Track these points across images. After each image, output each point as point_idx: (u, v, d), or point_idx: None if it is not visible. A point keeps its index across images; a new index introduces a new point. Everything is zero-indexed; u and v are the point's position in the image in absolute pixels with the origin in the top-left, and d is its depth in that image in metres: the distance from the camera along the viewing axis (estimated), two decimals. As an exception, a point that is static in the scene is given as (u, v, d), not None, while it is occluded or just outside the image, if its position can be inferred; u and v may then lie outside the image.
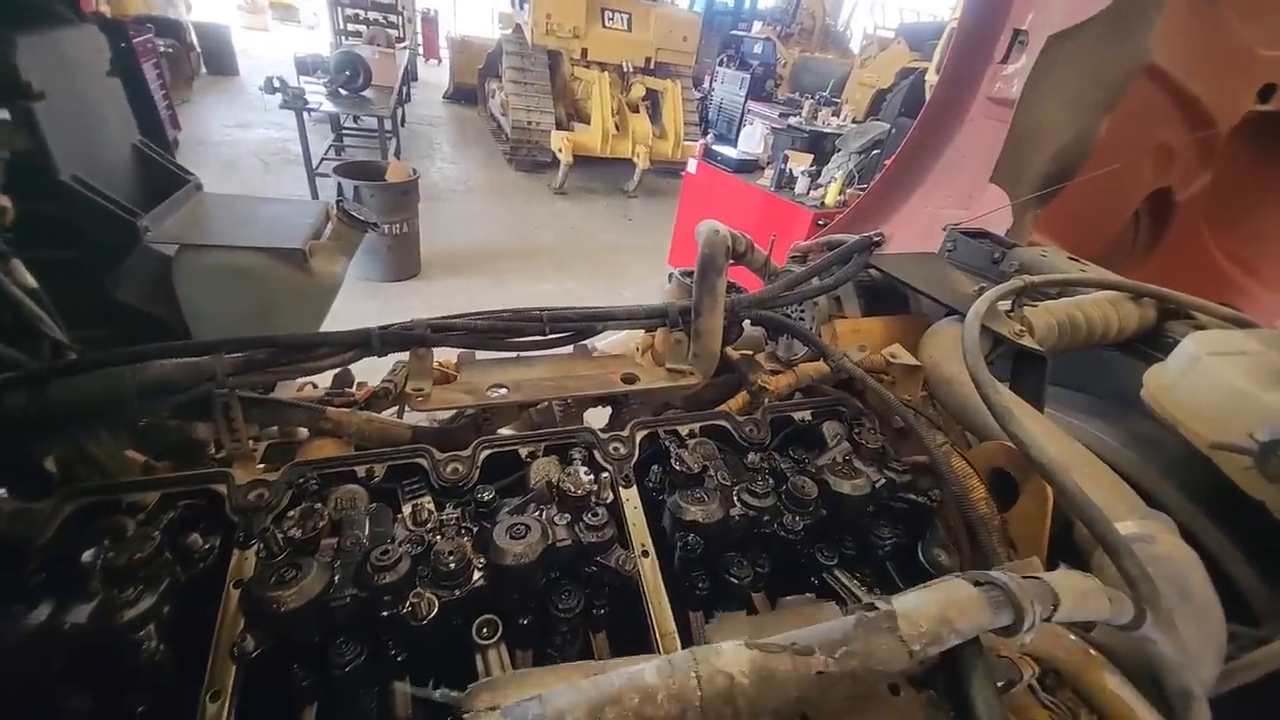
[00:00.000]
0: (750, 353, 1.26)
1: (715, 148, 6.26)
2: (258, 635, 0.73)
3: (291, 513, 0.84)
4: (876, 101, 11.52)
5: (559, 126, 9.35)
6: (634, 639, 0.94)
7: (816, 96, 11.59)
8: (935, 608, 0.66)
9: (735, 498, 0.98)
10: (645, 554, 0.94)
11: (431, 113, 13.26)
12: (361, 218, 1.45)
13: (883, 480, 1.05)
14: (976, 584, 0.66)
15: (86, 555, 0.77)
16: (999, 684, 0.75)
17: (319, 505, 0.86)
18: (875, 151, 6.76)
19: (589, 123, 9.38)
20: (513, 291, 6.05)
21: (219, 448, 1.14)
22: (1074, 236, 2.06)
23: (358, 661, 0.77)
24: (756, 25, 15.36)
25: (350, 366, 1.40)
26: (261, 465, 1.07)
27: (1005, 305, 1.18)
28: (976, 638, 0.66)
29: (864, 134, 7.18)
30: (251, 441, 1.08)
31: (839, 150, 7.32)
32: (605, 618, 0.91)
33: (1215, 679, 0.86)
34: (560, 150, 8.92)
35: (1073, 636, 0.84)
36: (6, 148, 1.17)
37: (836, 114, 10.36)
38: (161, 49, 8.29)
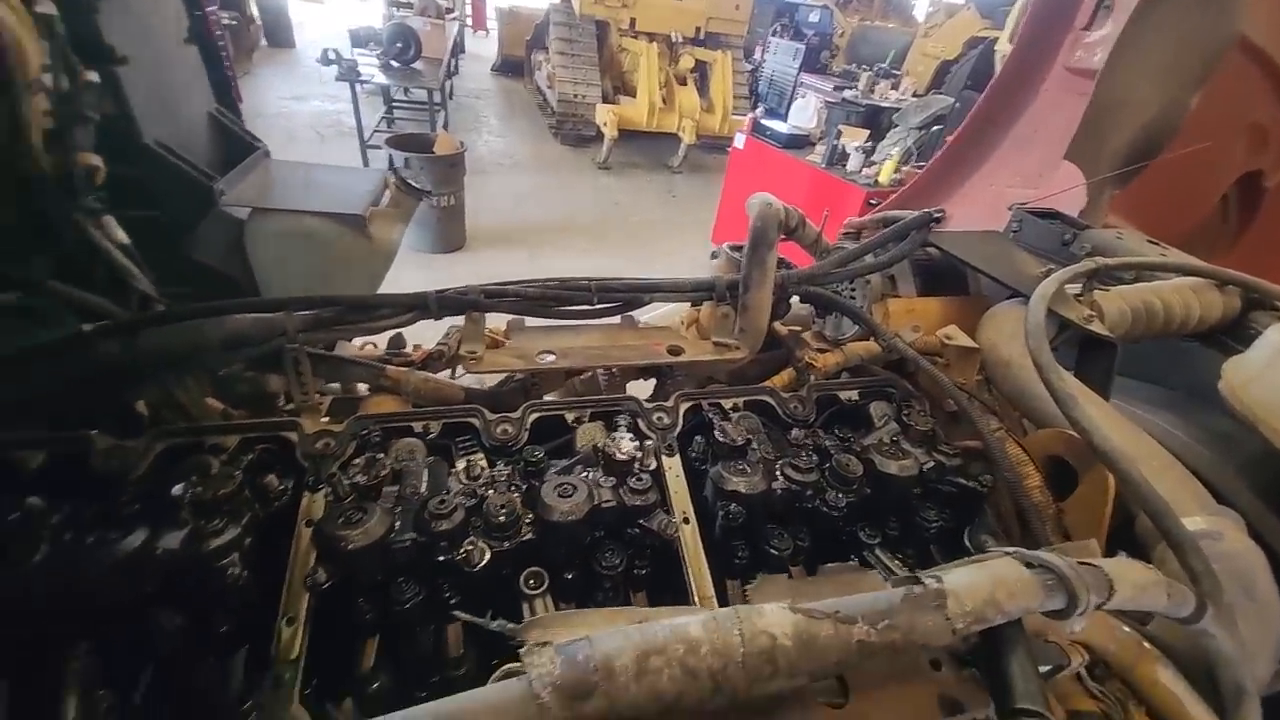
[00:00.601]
0: (798, 329, 1.25)
1: (764, 122, 6.09)
2: (328, 569, 0.79)
3: (356, 461, 0.89)
4: (940, 74, 10.88)
5: (605, 100, 9.24)
6: (672, 601, 0.97)
7: (875, 68, 11.04)
8: (984, 587, 0.65)
9: (778, 471, 0.98)
10: (686, 520, 0.96)
11: (479, 85, 13.31)
12: (418, 186, 1.49)
13: (931, 463, 1.04)
14: (1029, 565, 0.65)
15: (176, 489, 0.84)
16: (1045, 668, 0.74)
17: (381, 456, 0.91)
18: (936, 128, 6.42)
19: (635, 96, 9.24)
20: (554, 265, 6.09)
21: (288, 399, 1.22)
22: (1154, 219, 1.92)
23: (416, 600, 0.82)
24: (813, -8, 14.68)
25: (403, 330, 1.46)
26: (326, 418, 1.13)
27: (1074, 289, 1.13)
28: (1019, 618, 0.66)
29: (925, 108, 6.83)
30: (316, 395, 1.14)
31: (896, 126, 6.99)
32: (645, 578, 0.94)
33: (1270, 677, 0.82)
34: (605, 124, 8.83)
35: (1126, 628, 0.82)
36: (96, 111, 1.24)
37: (895, 87, 9.87)
38: (225, 21, 8.58)
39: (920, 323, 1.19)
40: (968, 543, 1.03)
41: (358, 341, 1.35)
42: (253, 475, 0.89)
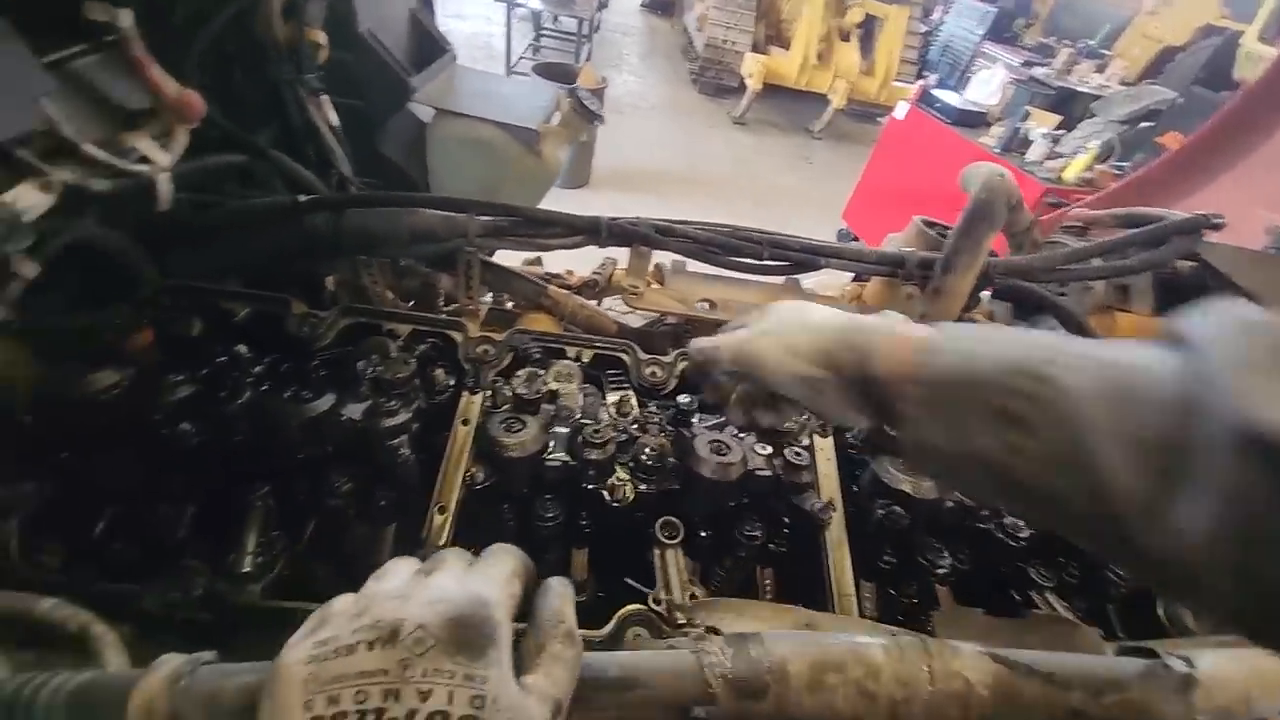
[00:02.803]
0: (1004, 326, 1.09)
1: (936, 92, 5.44)
2: (484, 470, 0.80)
3: (519, 373, 0.90)
4: (1159, 61, 9.15)
5: (755, 49, 8.68)
6: (802, 589, 0.91)
7: (1079, 45, 9.46)
8: (1239, 680, 0.54)
9: (953, 480, 0.87)
10: (832, 508, 0.89)
11: (625, 21, 12.99)
12: (592, 110, 1.45)
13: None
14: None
15: (360, 364, 0.89)
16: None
17: (542, 372, 0.91)
18: (1146, 124, 5.43)
19: (788, 48, 8.58)
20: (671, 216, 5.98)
21: (448, 301, 1.26)
22: None
23: (556, 521, 0.82)
24: (1020, -52, 12.68)
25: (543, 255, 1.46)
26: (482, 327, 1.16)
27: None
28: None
29: (1135, 100, 5.76)
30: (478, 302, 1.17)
31: (1093, 116, 6.00)
32: (781, 557, 0.89)
33: None
34: (750, 76, 8.30)
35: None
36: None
37: (1100, 70, 8.41)
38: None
39: (1155, 347, 0.99)
40: (1161, 612, 0.88)
41: (515, 259, 1.37)
42: (423, 366, 0.92)
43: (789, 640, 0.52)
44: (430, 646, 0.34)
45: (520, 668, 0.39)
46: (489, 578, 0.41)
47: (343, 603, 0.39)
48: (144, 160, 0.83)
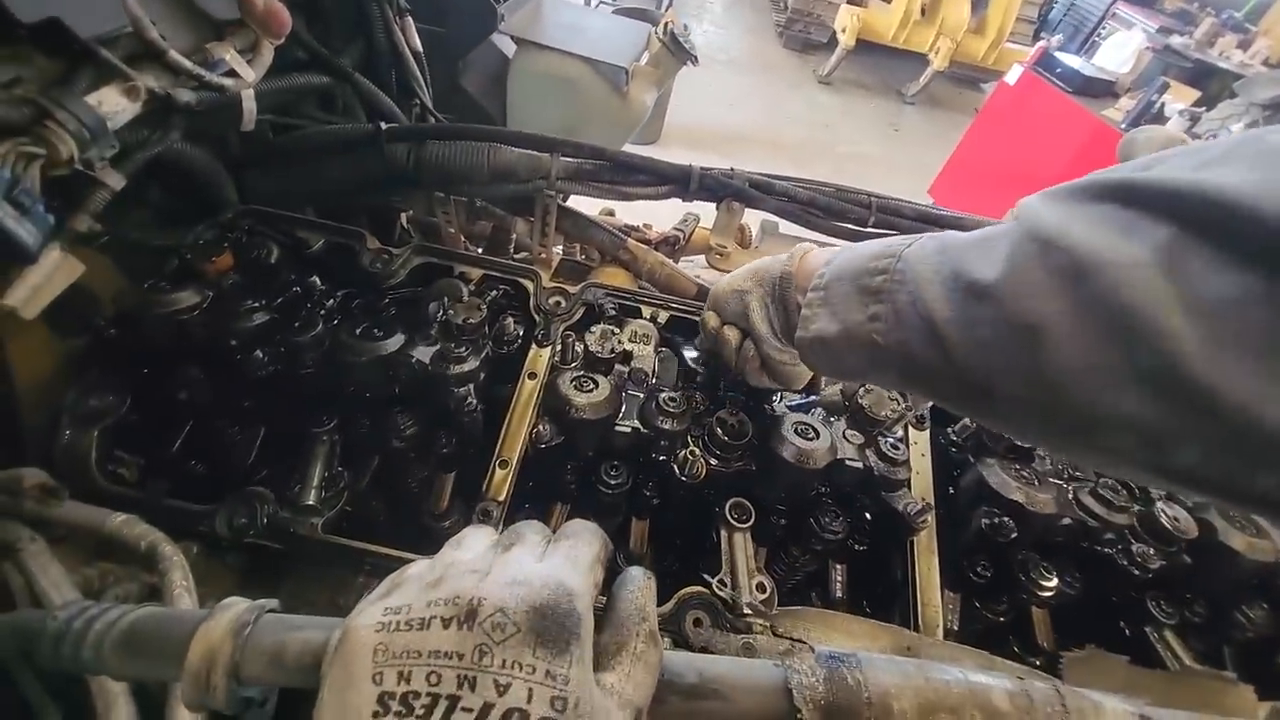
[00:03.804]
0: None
1: (1059, 54, 4.83)
2: (550, 428, 0.76)
3: (594, 329, 0.84)
4: (1317, 39, 7.82)
5: (851, 1, 7.99)
6: (877, 591, 0.84)
7: (1223, 15, 8.20)
8: None
9: (1073, 495, 0.76)
10: (930, 509, 0.79)
11: (713, -35, 12.28)
12: (687, 47, 1.32)
13: (1298, 556, 0.75)
14: None
15: (432, 306, 0.85)
16: None
17: (617, 331, 0.85)
18: (1297, 110, 4.69)
19: (890, 1, 7.85)
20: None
21: (519, 248, 1.21)
22: None
23: (621, 489, 0.77)
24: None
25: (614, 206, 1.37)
26: (554, 278, 1.10)
27: None
28: None
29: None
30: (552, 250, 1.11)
31: (1234, 96, 5.23)
32: (859, 554, 0.81)
33: None
34: (844, 30, 7.66)
35: None
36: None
37: (1244, 46, 7.29)
38: None
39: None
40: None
41: (591, 208, 1.29)
42: (494, 313, 0.88)
43: (893, 668, 0.45)
44: (510, 635, 0.31)
45: (597, 663, 0.35)
46: (573, 562, 0.37)
47: (418, 568, 0.37)
48: (230, 74, 0.80)
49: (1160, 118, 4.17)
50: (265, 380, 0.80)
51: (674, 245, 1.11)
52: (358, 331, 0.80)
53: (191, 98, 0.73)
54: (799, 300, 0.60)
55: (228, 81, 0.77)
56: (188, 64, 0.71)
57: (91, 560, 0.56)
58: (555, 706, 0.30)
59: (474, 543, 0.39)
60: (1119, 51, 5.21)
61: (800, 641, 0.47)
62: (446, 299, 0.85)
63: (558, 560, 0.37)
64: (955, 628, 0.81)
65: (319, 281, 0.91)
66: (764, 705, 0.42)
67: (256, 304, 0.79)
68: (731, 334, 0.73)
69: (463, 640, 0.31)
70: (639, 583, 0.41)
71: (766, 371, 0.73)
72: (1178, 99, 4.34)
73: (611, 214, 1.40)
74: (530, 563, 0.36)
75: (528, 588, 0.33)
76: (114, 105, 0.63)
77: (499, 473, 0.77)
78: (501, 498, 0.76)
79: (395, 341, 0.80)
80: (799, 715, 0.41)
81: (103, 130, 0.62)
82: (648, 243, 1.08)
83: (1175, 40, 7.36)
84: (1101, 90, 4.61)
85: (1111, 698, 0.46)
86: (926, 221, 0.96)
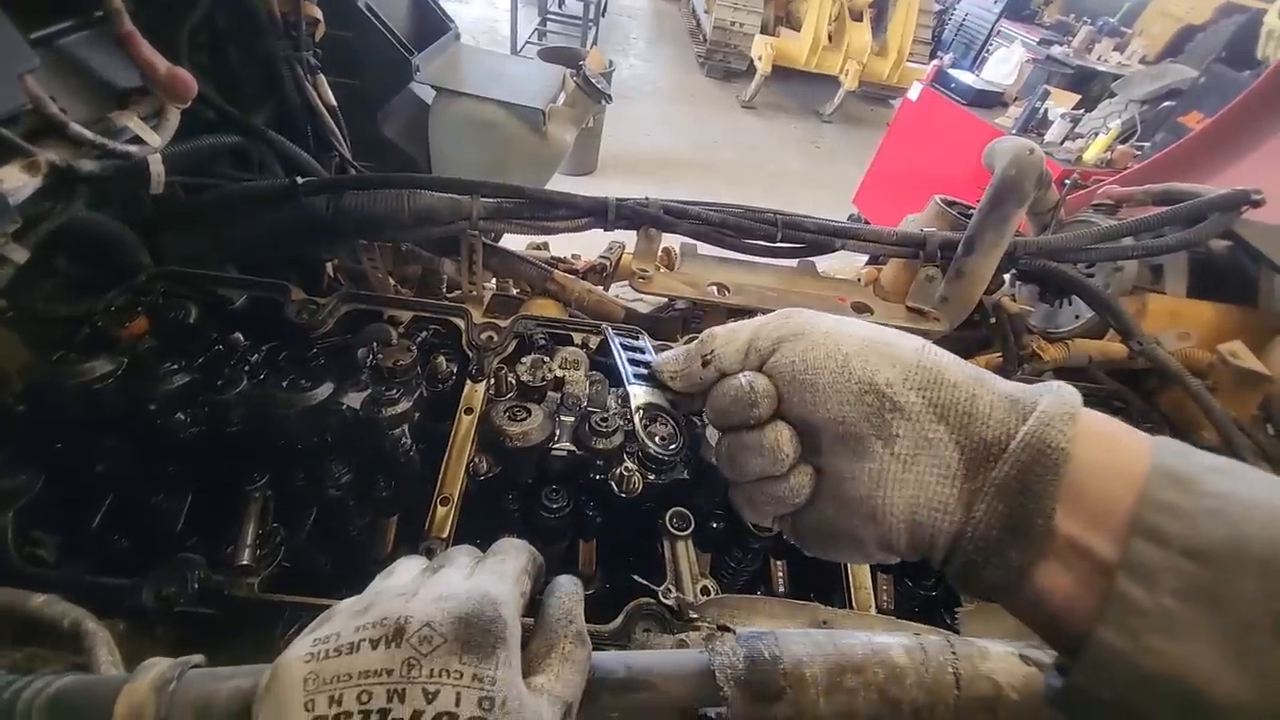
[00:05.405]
0: (1029, 309, 1.04)
1: (951, 71, 5.29)
2: (488, 460, 0.78)
3: (524, 360, 0.87)
4: (1180, 39, 8.87)
5: (764, 31, 8.49)
6: (817, 582, 0.88)
7: (1098, 23, 9.19)
8: None
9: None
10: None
11: (632, 4, 12.76)
12: (600, 88, 1.40)
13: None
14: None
15: (360, 352, 0.86)
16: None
17: (547, 359, 0.88)
18: (1167, 103, 5.28)
19: (799, 29, 8.39)
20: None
21: (452, 287, 1.23)
22: None
23: (562, 512, 0.80)
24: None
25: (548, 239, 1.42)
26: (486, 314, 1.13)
27: None
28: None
29: (1157, 79, 5.61)
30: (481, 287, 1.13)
31: (1113, 95, 5.84)
32: (793, 550, 0.86)
33: None
34: (760, 58, 8.14)
35: None
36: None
37: (1120, 49, 8.18)
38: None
39: (1191, 330, 0.95)
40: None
41: (520, 244, 1.33)
42: (425, 354, 0.89)
43: (804, 640, 0.49)
44: (437, 646, 0.32)
45: (528, 668, 0.37)
46: (498, 575, 0.39)
47: (348, 601, 0.38)
48: (135, 141, 0.80)
49: (1045, 123, 4.60)
50: (190, 443, 0.78)
51: (602, 273, 1.16)
52: (284, 384, 0.80)
53: (95, 167, 0.73)
54: (1091, 544, 0.31)
55: (132, 148, 0.78)
56: (89, 134, 0.72)
57: (19, 645, 0.54)
58: (483, 706, 0.31)
59: (404, 571, 0.41)
60: (1003, 65, 5.75)
61: (725, 627, 0.51)
62: (375, 344, 0.86)
63: (483, 575, 0.39)
64: (891, 607, 0.86)
65: (242, 337, 0.90)
66: (691, 689, 0.46)
67: (175, 366, 0.78)
68: (803, 479, 0.40)
69: (391, 657, 0.31)
70: (566, 589, 0.44)
71: (812, 536, 0.44)
72: (1059, 104, 4.80)
73: (544, 247, 1.44)
74: (458, 580, 0.38)
75: (454, 601, 0.34)
76: (15, 182, 0.63)
77: (441, 510, 0.78)
78: (445, 534, 0.77)
79: (324, 390, 0.80)
80: (722, 693, 0.45)
81: (4, 207, 0.62)
82: (575, 272, 1.12)
83: (1056, 50, 8.15)
84: (992, 101, 5.06)
85: (997, 643, 0.51)
86: (827, 234, 1.05)
